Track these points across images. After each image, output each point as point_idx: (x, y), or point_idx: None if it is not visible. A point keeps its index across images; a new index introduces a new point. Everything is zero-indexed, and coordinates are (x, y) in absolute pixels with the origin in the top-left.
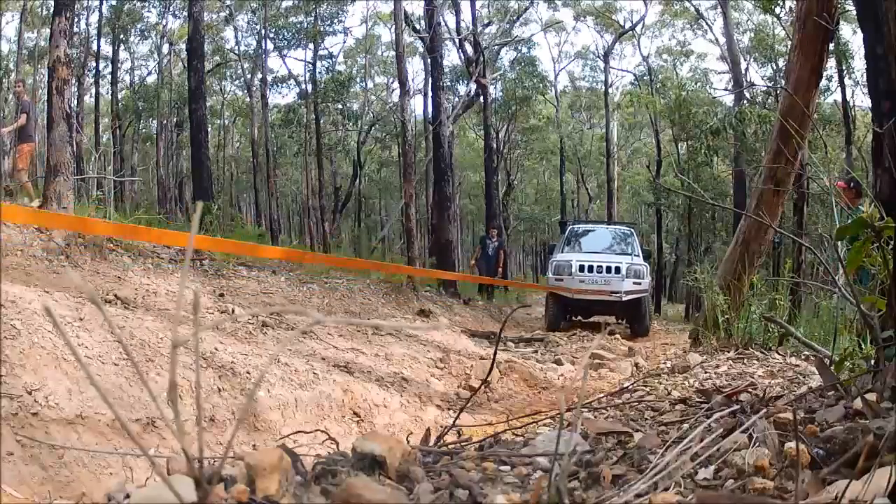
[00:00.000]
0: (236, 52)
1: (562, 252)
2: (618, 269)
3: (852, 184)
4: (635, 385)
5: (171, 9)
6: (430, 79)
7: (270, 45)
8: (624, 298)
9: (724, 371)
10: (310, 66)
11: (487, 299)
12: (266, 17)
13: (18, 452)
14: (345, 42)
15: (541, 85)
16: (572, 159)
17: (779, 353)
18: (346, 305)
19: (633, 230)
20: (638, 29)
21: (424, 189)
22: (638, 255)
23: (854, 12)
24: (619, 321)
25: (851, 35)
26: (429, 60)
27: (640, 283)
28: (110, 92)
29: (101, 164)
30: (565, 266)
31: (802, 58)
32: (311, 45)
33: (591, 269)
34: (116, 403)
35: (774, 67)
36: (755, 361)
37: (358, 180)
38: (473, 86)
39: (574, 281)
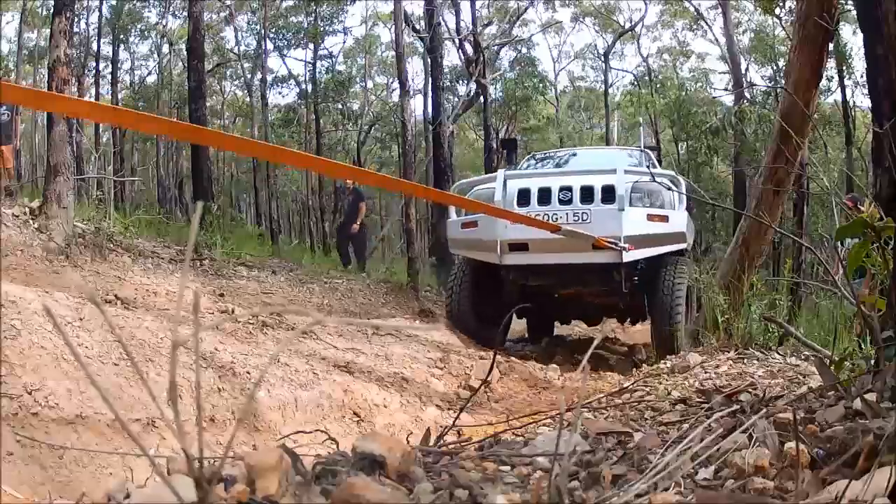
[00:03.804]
0: (236, 52)
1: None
2: (609, 192)
3: (860, 203)
4: (635, 385)
5: (171, 9)
6: (430, 79)
7: (270, 45)
8: (628, 258)
9: (724, 371)
10: (310, 66)
11: (359, 272)
12: (266, 17)
13: (18, 452)
14: (345, 42)
15: (541, 85)
16: None
17: (779, 353)
18: (345, 305)
19: (648, 153)
20: (638, 29)
21: None
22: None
23: (854, 12)
24: (623, 320)
25: (851, 35)
26: (429, 60)
27: (664, 222)
28: (110, 92)
29: (101, 164)
30: (489, 196)
31: (802, 58)
32: (311, 45)
33: (546, 196)
34: (116, 403)
35: (774, 67)
36: (755, 361)
37: None
38: (473, 86)
39: (503, 228)
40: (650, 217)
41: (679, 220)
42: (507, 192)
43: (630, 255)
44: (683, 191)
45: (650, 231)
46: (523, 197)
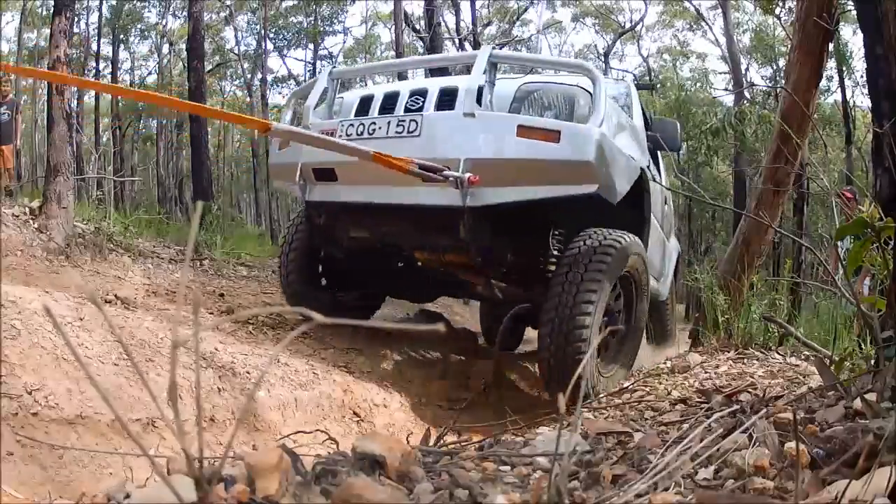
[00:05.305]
0: (236, 52)
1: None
2: (478, 97)
3: (857, 196)
4: (635, 385)
5: (171, 9)
6: None
7: (270, 45)
8: (476, 199)
9: (724, 371)
10: (310, 66)
11: None
12: (266, 17)
13: (18, 452)
14: (345, 42)
15: None
16: None
17: (779, 353)
18: None
19: (626, 83)
20: (638, 29)
21: None
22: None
23: (854, 12)
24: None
25: (851, 35)
26: None
27: (550, 141)
28: None
29: (101, 164)
30: (348, 105)
31: (802, 58)
32: (311, 45)
33: (391, 103)
34: (116, 403)
35: (774, 67)
36: (755, 361)
37: None
38: None
39: (309, 148)
40: (523, 130)
41: (583, 139)
42: (343, 101)
43: (479, 196)
44: (601, 92)
45: (519, 155)
46: (364, 105)
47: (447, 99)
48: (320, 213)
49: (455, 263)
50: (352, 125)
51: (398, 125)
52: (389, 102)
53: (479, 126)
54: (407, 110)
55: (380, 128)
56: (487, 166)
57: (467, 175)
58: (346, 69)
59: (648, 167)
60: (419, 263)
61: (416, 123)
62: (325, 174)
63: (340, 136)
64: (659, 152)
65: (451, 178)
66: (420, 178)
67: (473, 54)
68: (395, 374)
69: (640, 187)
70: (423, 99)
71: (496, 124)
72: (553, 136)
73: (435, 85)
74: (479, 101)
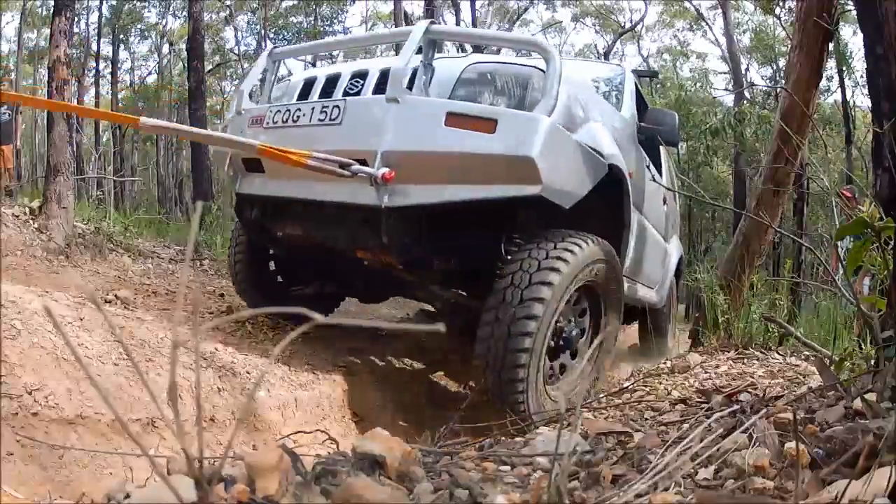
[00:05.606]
0: (236, 52)
1: None
2: (413, 84)
3: (857, 195)
4: (635, 385)
5: (171, 9)
6: None
7: (270, 45)
8: (394, 199)
9: (724, 371)
10: (309, 65)
11: None
12: (266, 17)
13: (18, 452)
14: None
15: None
16: None
17: (779, 353)
18: (345, 305)
19: (623, 69)
20: (638, 29)
21: None
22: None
23: (854, 12)
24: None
25: (851, 35)
26: None
27: (483, 131)
28: (110, 92)
29: (101, 164)
30: (292, 88)
31: (802, 58)
32: None
33: (332, 86)
34: (116, 403)
35: (774, 67)
36: (755, 361)
37: None
38: None
39: (241, 135)
40: (453, 119)
41: (524, 130)
42: (289, 84)
43: (400, 194)
44: (555, 73)
45: (446, 148)
46: (307, 88)
47: (387, 80)
48: (252, 207)
49: (393, 264)
50: (278, 111)
51: (321, 112)
52: (331, 85)
53: (403, 113)
54: (346, 94)
55: (304, 114)
56: (410, 160)
57: (381, 171)
58: (288, 48)
59: (648, 167)
60: (365, 262)
61: (339, 110)
62: (254, 165)
63: (268, 123)
64: (661, 148)
65: (360, 174)
66: (344, 174)
67: (409, 30)
68: (395, 374)
69: (619, 187)
70: (363, 81)
71: (422, 111)
72: (488, 125)
73: (375, 66)
74: (413, 84)
